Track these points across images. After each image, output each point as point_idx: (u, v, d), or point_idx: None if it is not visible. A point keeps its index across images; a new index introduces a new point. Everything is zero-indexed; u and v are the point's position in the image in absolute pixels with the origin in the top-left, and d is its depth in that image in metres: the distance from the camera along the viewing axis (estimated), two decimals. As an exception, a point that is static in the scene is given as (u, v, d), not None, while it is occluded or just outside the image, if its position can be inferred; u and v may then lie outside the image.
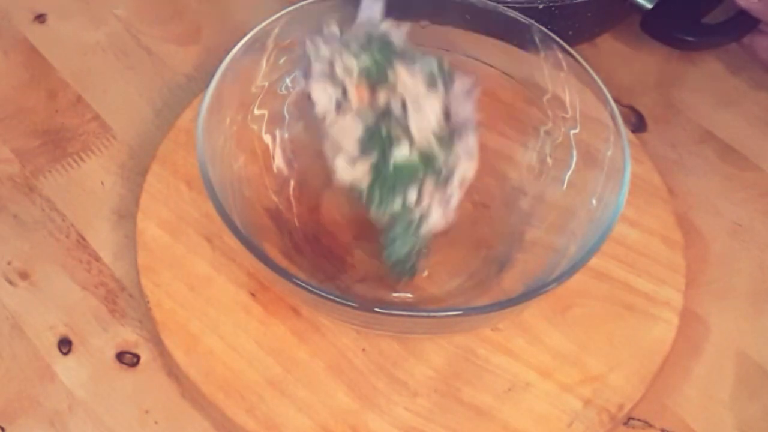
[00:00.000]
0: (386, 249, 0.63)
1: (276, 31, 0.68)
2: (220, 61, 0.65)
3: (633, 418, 0.64)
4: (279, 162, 0.70)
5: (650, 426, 0.64)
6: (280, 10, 0.68)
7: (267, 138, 0.69)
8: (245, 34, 0.66)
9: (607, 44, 0.83)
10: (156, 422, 0.63)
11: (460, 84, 0.62)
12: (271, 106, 0.69)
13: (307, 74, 0.61)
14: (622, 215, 0.61)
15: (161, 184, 0.70)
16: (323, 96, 0.60)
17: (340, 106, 0.60)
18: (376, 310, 0.60)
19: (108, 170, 0.74)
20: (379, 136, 0.60)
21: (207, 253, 0.67)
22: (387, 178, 0.60)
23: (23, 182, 0.73)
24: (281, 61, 0.69)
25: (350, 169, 0.61)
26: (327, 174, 0.70)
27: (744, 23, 0.75)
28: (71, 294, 0.68)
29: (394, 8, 0.71)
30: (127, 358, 0.65)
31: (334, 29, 0.62)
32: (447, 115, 0.61)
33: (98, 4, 0.84)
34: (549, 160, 0.69)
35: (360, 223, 0.66)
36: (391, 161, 0.59)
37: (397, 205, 0.60)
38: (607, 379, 0.63)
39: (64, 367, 0.65)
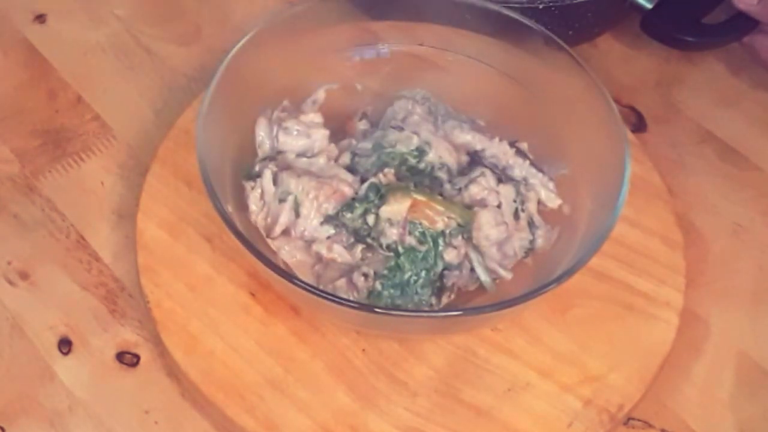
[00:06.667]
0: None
1: (277, 32, 0.68)
2: (220, 61, 0.65)
3: (633, 418, 0.64)
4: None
5: (650, 426, 0.64)
6: (280, 11, 0.68)
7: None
8: (245, 34, 0.66)
9: (607, 44, 0.83)
10: (156, 422, 0.63)
11: None
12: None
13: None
14: (622, 215, 0.61)
15: (161, 184, 0.70)
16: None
17: None
18: (376, 310, 0.60)
19: (108, 170, 0.74)
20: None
21: (207, 253, 0.67)
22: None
23: (23, 182, 0.73)
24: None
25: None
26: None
27: (744, 24, 0.75)
28: (71, 294, 0.68)
29: (395, 8, 0.72)
30: (127, 358, 0.65)
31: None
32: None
33: (98, 4, 0.84)
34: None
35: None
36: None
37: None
38: (607, 379, 0.63)
39: (64, 367, 0.65)
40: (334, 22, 0.71)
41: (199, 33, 0.83)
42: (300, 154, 0.67)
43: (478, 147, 0.68)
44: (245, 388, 0.62)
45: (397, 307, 0.63)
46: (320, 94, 0.70)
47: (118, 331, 0.66)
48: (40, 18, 0.83)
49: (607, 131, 0.64)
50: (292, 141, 0.67)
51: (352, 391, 0.62)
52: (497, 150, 0.68)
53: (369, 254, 0.63)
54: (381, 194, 0.63)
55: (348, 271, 0.63)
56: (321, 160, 0.66)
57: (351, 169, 0.67)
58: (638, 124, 0.79)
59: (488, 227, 0.64)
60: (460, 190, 0.65)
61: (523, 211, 0.66)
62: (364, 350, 0.64)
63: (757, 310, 0.69)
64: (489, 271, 0.64)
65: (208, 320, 0.64)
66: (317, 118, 0.68)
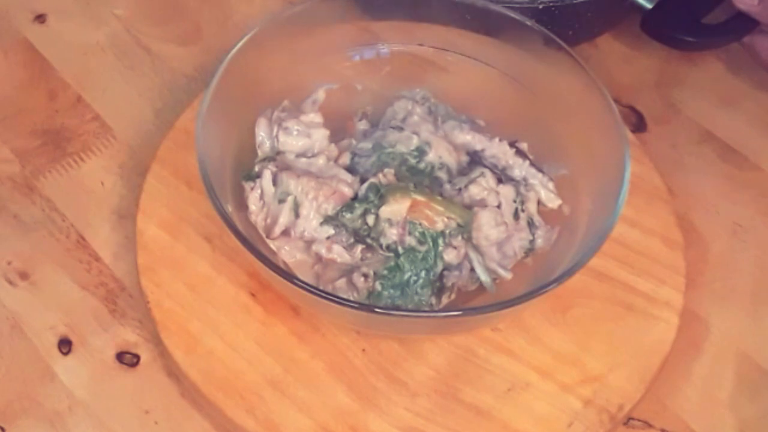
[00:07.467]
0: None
1: (277, 32, 0.68)
2: (220, 61, 0.65)
3: (633, 418, 0.64)
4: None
5: (650, 426, 0.64)
6: (280, 11, 0.68)
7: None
8: (245, 34, 0.66)
9: (607, 44, 0.83)
10: (156, 422, 0.63)
11: None
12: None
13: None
14: (622, 215, 0.61)
15: (161, 184, 0.70)
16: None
17: None
18: (376, 310, 0.60)
19: (108, 170, 0.74)
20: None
21: (207, 253, 0.67)
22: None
23: (23, 182, 0.73)
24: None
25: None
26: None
27: (744, 24, 0.75)
28: (71, 294, 0.68)
29: (395, 8, 0.72)
30: (127, 358, 0.65)
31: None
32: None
33: (98, 4, 0.84)
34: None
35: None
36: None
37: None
38: (607, 379, 0.63)
39: (64, 367, 0.65)
40: (334, 22, 0.71)
41: (199, 33, 0.83)
42: (300, 155, 0.67)
43: (478, 147, 0.68)
44: (245, 388, 0.62)
45: (397, 307, 0.63)
46: (320, 94, 0.70)
47: (118, 331, 0.66)
48: (40, 18, 0.83)
49: (607, 131, 0.64)
50: (292, 141, 0.67)
51: (352, 391, 0.62)
52: (497, 150, 0.68)
53: (369, 254, 0.63)
54: (381, 194, 0.63)
55: (348, 271, 0.63)
56: (321, 161, 0.66)
57: (351, 169, 0.67)
58: (638, 124, 0.79)
59: (488, 227, 0.64)
60: (460, 190, 0.65)
61: (523, 211, 0.66)
62: (364, 350, 0.64)
63: (757, 310, 0.69)
64: (489, 271, 0.64)
65: (208, 320, 0.64)
66: (317, 118, 0.68)
